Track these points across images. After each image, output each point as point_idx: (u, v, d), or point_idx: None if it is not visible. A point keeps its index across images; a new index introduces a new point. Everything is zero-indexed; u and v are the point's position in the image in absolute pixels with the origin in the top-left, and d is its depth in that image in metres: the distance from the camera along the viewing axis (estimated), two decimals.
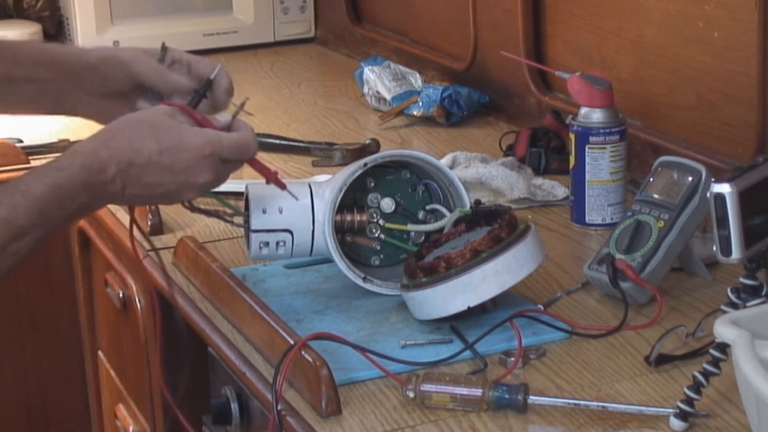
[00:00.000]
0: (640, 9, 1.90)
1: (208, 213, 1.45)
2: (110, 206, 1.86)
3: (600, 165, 1.68)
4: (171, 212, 1.78)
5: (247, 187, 1.48)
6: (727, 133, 1.75)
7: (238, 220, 1.49)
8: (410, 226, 1.51)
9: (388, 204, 1.50)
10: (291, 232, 1.45)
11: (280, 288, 1.52)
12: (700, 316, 1.38)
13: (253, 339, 1.40)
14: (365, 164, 1.47)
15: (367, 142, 2.07)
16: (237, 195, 1.61)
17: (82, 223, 2.01)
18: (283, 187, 1.39)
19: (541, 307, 1.44)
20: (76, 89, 1.44)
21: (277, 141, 2.11)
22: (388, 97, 2.28)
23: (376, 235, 1.50)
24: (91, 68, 1.44)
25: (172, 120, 1.31)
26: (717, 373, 1.17)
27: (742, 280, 1.18)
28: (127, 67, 1.42)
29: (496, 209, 1.45)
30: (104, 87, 1.43)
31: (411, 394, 1.24)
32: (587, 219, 1.70)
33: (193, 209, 1.42)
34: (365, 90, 2.35)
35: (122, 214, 1.84)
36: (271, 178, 1.38)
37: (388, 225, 1.50)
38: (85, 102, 1.45)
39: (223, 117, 1.38)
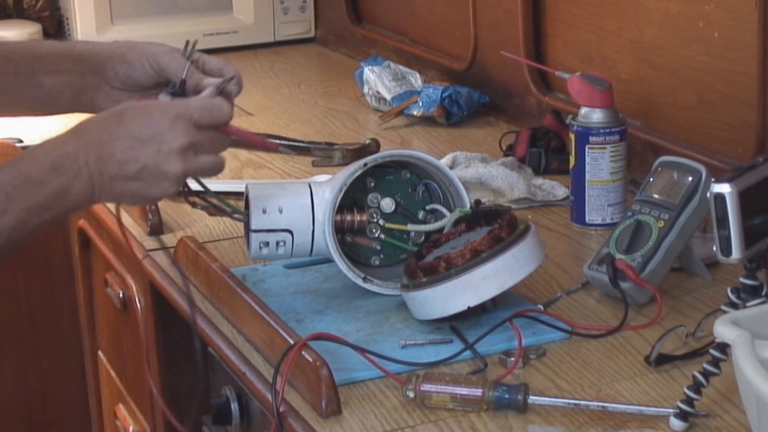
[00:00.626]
0: (640, 9, 1.90)
1: (209, 210, 1.44)
2: (110, 206, 1.85)
3: (600, 165, 1.68)
4: (171, 212, 1.78)
5: (247, 187, 1.48)
6: (727, 133, 1.75)
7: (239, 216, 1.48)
8: (410, 226, 1.51)
9: (388, 204, 1.50)
10: (291, 232, 1.45)
11: (280, 288, 1.52)
12: (700, 316, 1.38)
13: (253, 339, 1.40)
14: (365, 164, 1.47)
15: (367, 142, 2.07)
16: (237, 195, 1.61)
17: (82, 223, 2.01)
18: (274, 148, 1.37)
19: (541, 307, 1.44)
20: (98, 80, 1.43)
21: (277, 141, 2.11)
22: (388, 97, 2.28)
23: (376, 235, 1.50)
24: (117, 57, 1.42)
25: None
26: (717, 373, 1.17)
27: (742, 280, 1.18)
28: (157, 59, 1.40)
29: (496, 209, 1.45)
30: (129, 78, 1.42)
31: (411, 394, 1.24)
32: (587, 219, 1.70)
33: (195, 205, 1.41)
34: (365, 90, 2.35)
35: (122, 214, 1.83)
36: (258, 142, 1.36)
37: (388, 225, 1.50)
38: (105, 93, 1.43)
39: None
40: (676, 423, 1.18)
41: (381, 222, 1.50)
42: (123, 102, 1.38)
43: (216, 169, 1.33)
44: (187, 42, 1.43)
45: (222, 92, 1.37)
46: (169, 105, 1.29)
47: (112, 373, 2.05)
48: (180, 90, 1.38)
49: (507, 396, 1.22)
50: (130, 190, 1.29)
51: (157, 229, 1.73)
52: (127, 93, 1.43)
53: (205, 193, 1.40)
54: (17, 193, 1.22)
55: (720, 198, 1.11)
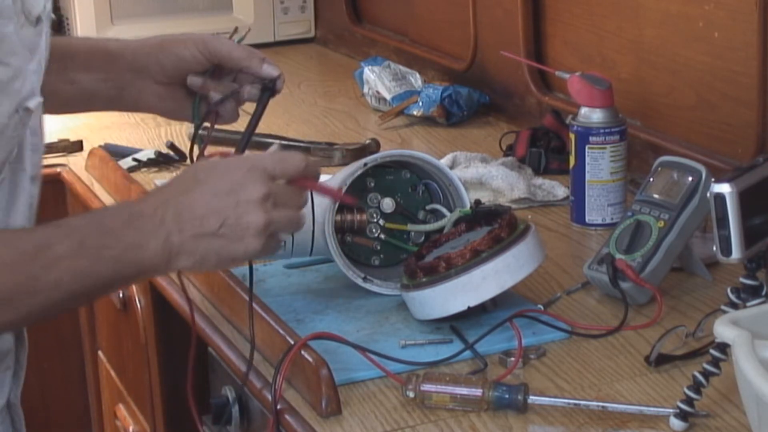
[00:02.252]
0: (640, 9, 1.90)
1: None
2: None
3: (600, 165, 1.68)
4: None
5: None
6: (727, 133, 1.75)
7: None
8: (410, 226, 1.51)
9: (388, 204, 1.50)
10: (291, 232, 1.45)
11: (280, 288, 1.52)
12: (700, 316, 1.38)
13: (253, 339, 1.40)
14: (365, 164, 1.47)
15: (367, 142, 2.07)
16: None
17: None
18: (353, 202, 1.41)
19: (541, 307, 1.44)
20: (140, 76, 1.42)
21: (278, 141, 2.11)
22: (388, 97, 2.28)
23: (376, 235, 1.50)
24: (160, 50, 1.41)
25: None
26: (717, 373, 1.17)
27: (742, 280, 1.18)
28: (206, 45, 1.39)
29: (496, 209, 1.45)
30: (177, 68, 1.41)
31: (411, 394, 1.24)
32: (587, 219, 1.70)
33: None
34: (365, 90, 2.35)
35: None
36: (335, 195, 1.37)
37: (388, 225, 1.50)
38: (149, 90, 1.43)
39: None
40: (676, 423, 1.18)
41: (381, 222, 1.50)
42: (167, 98, 1.41)
43: (295, 224, 1.25)
44: (236, 30, 1.43)
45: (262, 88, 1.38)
46: (241, 158, 1.25)
47: (112, 373, 2.05)
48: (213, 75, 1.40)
49: (507, 396, 1.22)
50: (212, 248, 1.19)
51: None
52: (171, 87, 1.42)
53: None
54: (92, 240, 1.17)
55: (720, 198, 1.11)
